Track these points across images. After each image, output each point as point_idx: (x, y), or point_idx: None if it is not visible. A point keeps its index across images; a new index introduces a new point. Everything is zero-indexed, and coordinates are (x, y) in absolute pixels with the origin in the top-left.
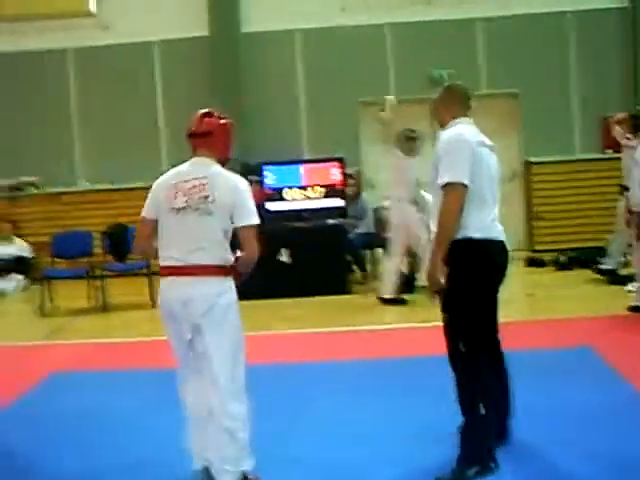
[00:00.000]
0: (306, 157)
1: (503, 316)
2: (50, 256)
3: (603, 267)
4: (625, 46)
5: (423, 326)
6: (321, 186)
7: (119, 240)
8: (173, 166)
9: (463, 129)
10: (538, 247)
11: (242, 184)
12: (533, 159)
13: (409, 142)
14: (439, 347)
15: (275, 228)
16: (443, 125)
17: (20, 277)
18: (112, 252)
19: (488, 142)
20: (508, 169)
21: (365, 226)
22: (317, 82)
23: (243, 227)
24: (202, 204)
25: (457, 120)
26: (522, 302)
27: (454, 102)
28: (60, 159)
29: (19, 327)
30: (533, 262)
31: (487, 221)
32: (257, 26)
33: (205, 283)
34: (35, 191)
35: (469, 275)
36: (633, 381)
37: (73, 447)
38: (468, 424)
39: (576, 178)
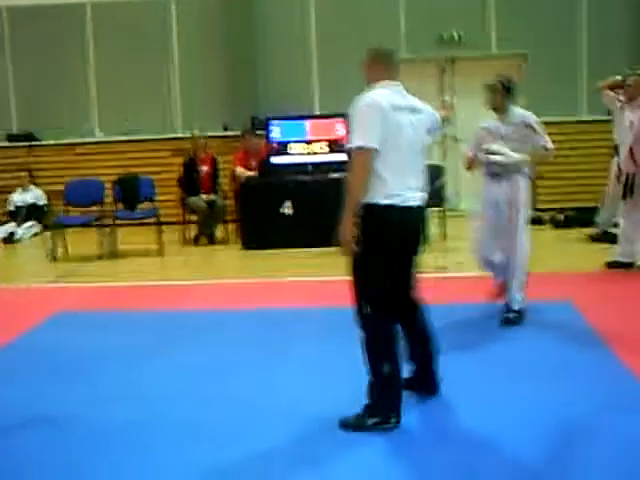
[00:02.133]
0: (317, 113)
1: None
2: (63, 204)
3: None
4: (635, 7)
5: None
6: (326, 141)
7: (129, 189)
8: None
9: (378, 93)
10: (540, 206)
11: None
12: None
13: None
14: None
15: (279, 181)
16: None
17: (34, 223)
18: (122, 201)
19: (416, 105)
20: None
21: None
22: (328, 39)
23: None
24: None
25: (379, 84)
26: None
27: (377, 65)
28: (76, 111)
29: (29, 270)
30: (532, 220)
31: (398, 187)
32: None
33: None
34: (51, 141)
35: (372, 239)
36: (604, 333)
37: (70, 379)
38: (374, 380)
39: (579, 139)
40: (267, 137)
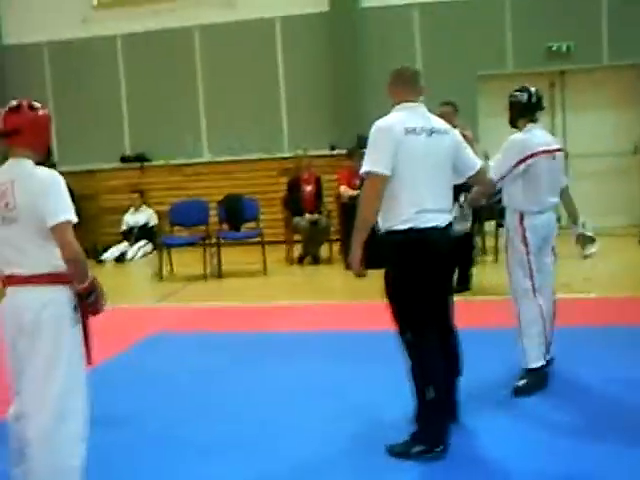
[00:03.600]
0: None
1: (592, 290)
2: (169, 224)
3: None
4: None
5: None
6: None
7: (233, 210)
8: None
9: (393, 116)
10: None
11: (49, 179)
12: None
13: None
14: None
15: None
16: None
17: (146, 243)
18: (227, 221)
19: (436, 126)
20: (629, 142)
21: None
22: (434, 56)
23: (53, 227)
24: (5, 212)
25: (398, 106)
26: (621, 278)
27: (396, 86)
28: (186, 132)
29: (136, 290)
30: None
31: (415, 210)
32: (376, 1)
33: (30, 292)
34: (161, 162)
35: (400, 266)
36: None
37: (160, 398)
38: (420, 407)
39: None
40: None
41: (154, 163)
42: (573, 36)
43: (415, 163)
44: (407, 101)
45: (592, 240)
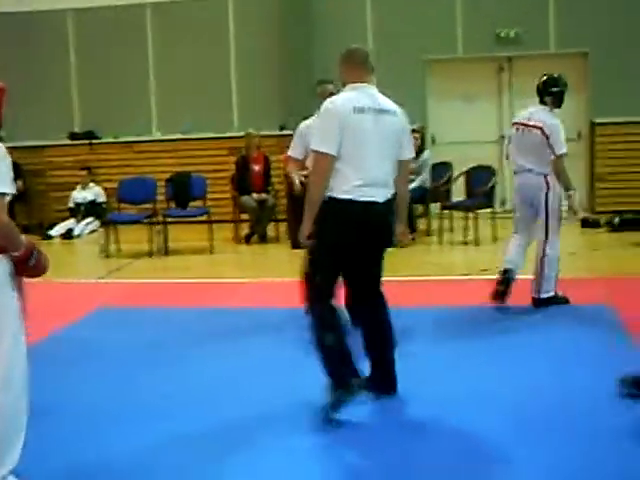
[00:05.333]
0: None
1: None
2: (116, 201)
3: None
4: None
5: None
6: None
7: (181, 188)
8: None
9: (341, 97)
10: (599, 208)
11: None
12: (598, 120)
13: None
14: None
15: None
16: None
17: (93, 220)
18: (174, 199)
19: (385, 106)
20: (573, 129)
21: (420, 181)
22: (385, 39)
23: None
24: None
25: (348, 86)
26: (563, 260)
27: (346, 66)
28: (135, 109)
29: (82, 266)
30: (587, 223)
31: (355, 184)
32: None
33: None
34: (111, 139)
35: (328, 229)
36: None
37: (101, 372)
38: (321, 356)
39: None
40: None
41: (103, 140)
42: (521, 23)
43: (361, 141)
44: (357, 81)
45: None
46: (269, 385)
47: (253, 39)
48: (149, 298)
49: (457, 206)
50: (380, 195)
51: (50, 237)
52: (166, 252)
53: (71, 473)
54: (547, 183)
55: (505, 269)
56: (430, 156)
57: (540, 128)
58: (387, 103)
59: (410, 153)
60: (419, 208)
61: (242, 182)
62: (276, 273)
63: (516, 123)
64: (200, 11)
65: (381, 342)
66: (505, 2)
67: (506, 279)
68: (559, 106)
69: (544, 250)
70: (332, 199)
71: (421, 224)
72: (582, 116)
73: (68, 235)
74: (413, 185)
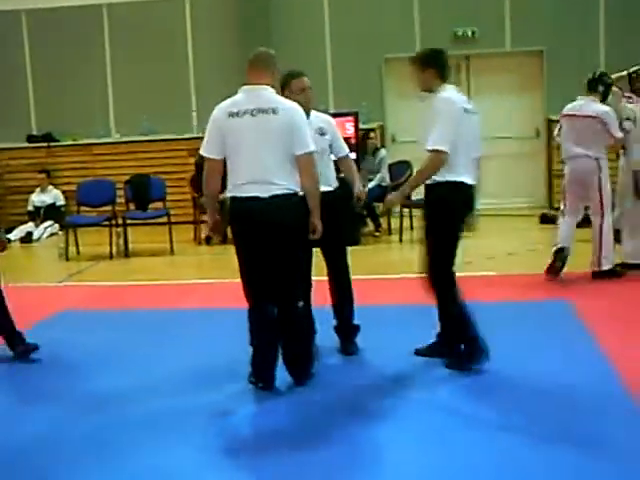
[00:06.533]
0: (332, 111)
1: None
2: (76, 204)
3: None
4: None
5: None
6: None
7: (140, 190)
8: None
9: (223, 103)
10: (557, 205)
11: None
12: (554, 117)
13: None
14: None
15: None
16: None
17: (52, 224)
18: (134, 201)
19: (265, 107)
20: (531, 126)
21: (378, 179)
22: (343, 39)
23: None
24: None
25: (242, 88)
26: (522, 256)
27: (247, 69)
28: (94, 112)
29: (41, 270)
30: (546, 219)
31: (237, 182)
32: None
33: None
34: (69, 142)
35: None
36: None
37: (61, 375)
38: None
39: None
40: None
41: (61, 142)
42: (478, 22)
43: (238, 142)
44: (252, 83)
45: None
46: (229, 384)
47: (211, 39)
48: (110, 301)
49: (418, 204)
50: (263, 191)
51: (9, 241)
52: (126, 254)
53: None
54: (599, 166)
55: (561, 247)
56: (387, 154)
57: (594, 117)
58: (273, 102)
59: (304, 148)
60: (380, 206)
61: (201, 183)
62: (237, 274)
63: (566, 115)
64: (157, 11)
65: (290, 341)
66: (462, 1)
67: (564, 256)
68: (606, 97)
69: (601, 226)
70: (229, 198)
71: (382, 222)
72: (539, 114)
73: (27, 239)
74: (372, 184)
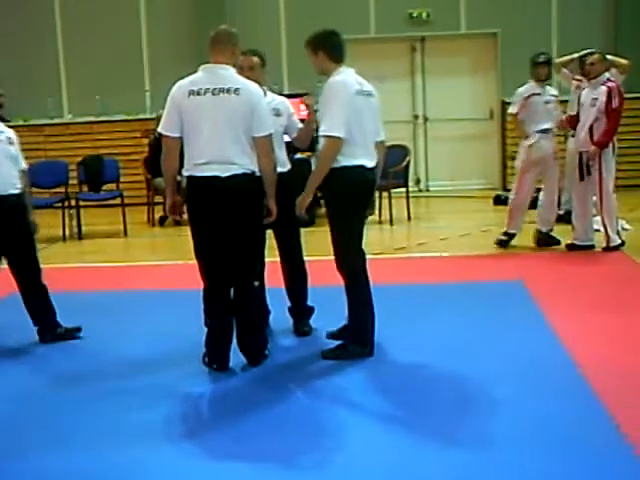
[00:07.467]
0: (286, 92)
1: (445, 250)
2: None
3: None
4: None
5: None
6: None
7: (93, 171)
8: None
9: (183, 80)
10: (511, 186)
11: None
12: (508, 99)
13: None
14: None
15: None
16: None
17: None
18: (86, 182)
19: (226, 86)
20: (485, 108)
21: None
22: (298, 19)
23: None
24: None
25: (201, 66)
26: (476, 237)
27: (209, 48)
28: (45, 92)
29: None
30: (499, 200)
31: (194, 162)
32: None
33: None
34: (21, 122)
35: (188, 209)
36: (548, 313)
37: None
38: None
39: None
40: None
41: (12, 123)
42: (433, 3)
43: (197, 121)
44: (211, 61)
45: None
46: (183, 366)
47: (165, 18)
48: (64, 283)
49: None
50: (222, 170)
51: None
52: (80, 236)
53: None
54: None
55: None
56: None
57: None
58: (235, 82)
59: (263, 130)
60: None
61: (156, 164)
62: (190, 256)
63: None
64: None
65: (245, 321)
66: None
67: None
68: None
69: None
70: (186, 177)
71: None
72: (493, 95)
73: None
74: None
